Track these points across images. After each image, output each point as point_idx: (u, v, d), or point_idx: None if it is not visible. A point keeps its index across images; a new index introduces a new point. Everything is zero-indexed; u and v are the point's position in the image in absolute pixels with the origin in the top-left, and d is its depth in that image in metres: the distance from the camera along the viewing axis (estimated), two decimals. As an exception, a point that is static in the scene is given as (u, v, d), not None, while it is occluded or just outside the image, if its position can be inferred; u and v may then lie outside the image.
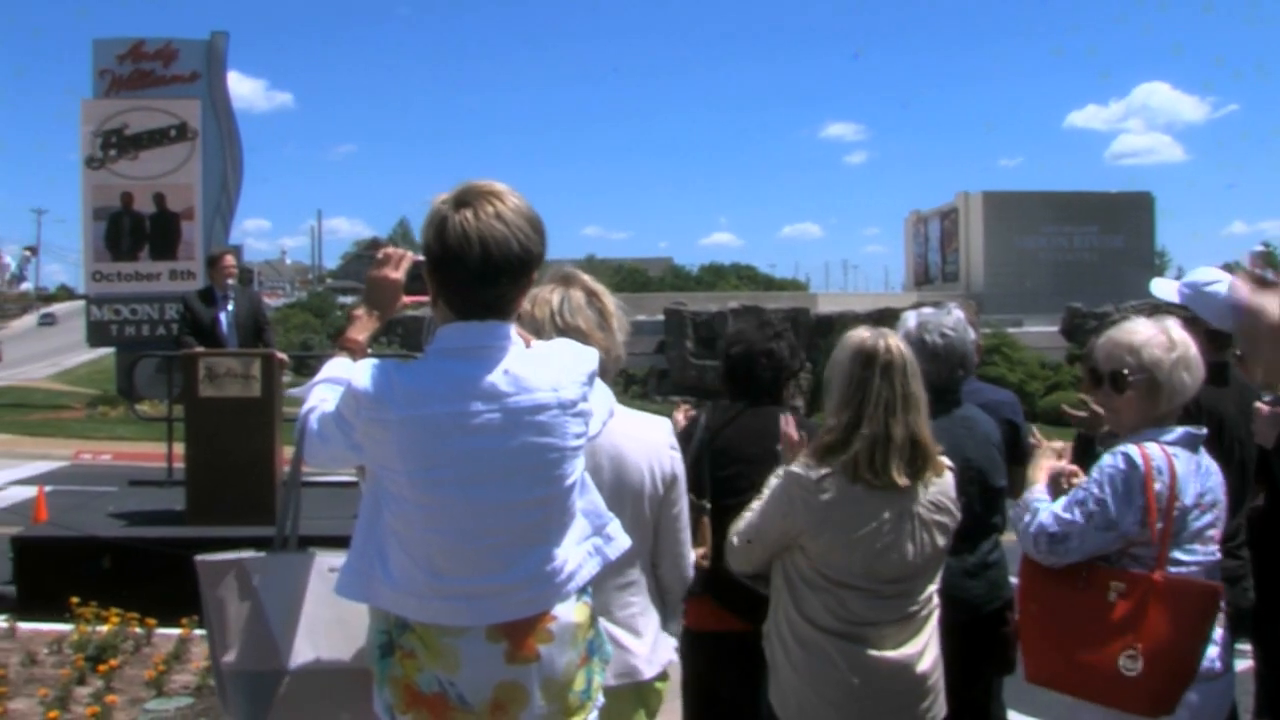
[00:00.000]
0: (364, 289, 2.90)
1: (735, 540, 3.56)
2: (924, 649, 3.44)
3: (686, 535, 3.27)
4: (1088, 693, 3.42)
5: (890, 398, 3.38)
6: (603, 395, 2.74)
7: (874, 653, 3.35)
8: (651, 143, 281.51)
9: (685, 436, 4.22)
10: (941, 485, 3.47)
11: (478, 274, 2.45)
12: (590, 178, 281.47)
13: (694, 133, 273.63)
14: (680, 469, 3.22)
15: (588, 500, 2.66)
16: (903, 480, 3.36)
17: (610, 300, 3.18)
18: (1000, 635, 4.32)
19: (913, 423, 3.41)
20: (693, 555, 3.32)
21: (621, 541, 2.71)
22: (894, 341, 3.47)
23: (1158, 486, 3.35)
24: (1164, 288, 4.45)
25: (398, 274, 2.83)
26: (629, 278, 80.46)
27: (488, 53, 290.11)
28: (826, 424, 3.45)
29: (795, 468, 3.43)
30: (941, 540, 3.45)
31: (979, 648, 4.27)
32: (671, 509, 3.19)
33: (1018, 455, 4.67)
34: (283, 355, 9.04)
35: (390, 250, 2.87)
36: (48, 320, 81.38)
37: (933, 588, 3.50)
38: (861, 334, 3.48)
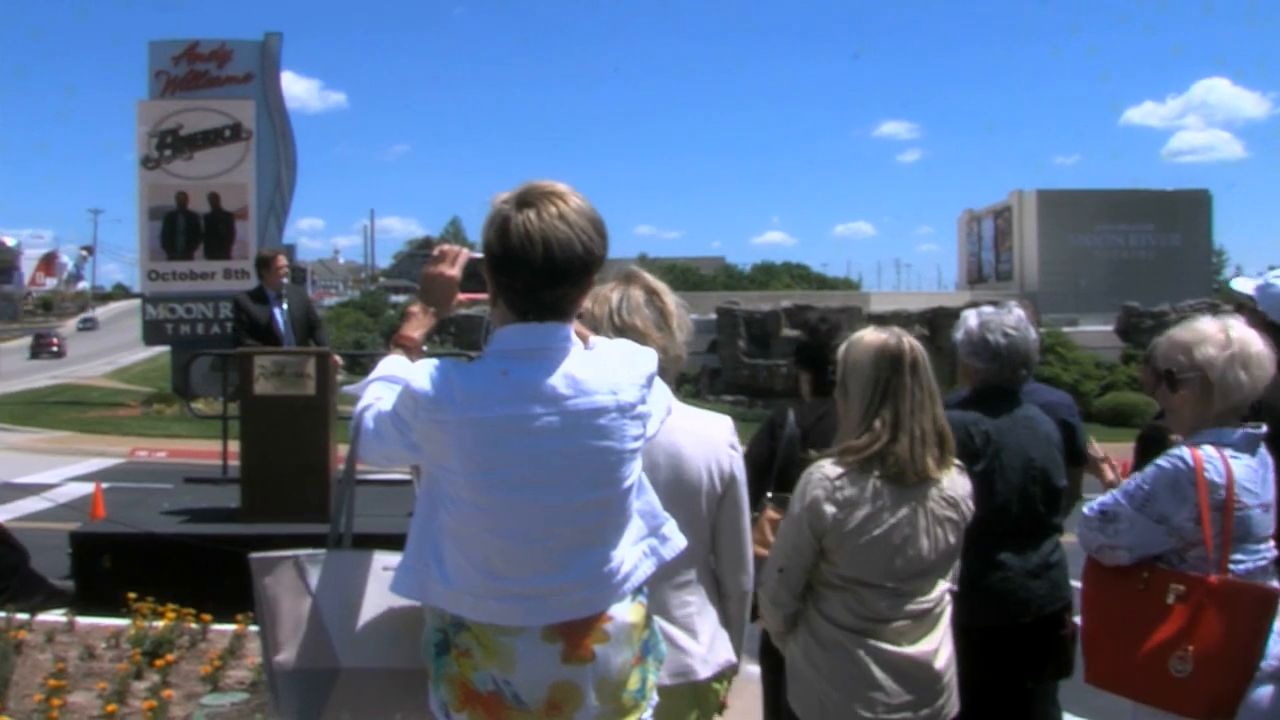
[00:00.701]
0: (419, 286, 2.88)
1: (768, 582, 3.47)
2: (939, 646, 3.42)
3: (747, 537, 3.23)
4: (1145, 696, 3.42)
5: (921, 396, 3.39)
6: (661, 395, 2.71)
7: (894, 648, 3.33)
8: (704, 141, 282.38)
9: (770, 435, 4.17)
10: (953, 480, 3.46)
11: (540, 275, 2.43)
12: (643, 176, 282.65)
13: (747, 131, 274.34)
14: (740, 469, 3.18)
15: (644, 500, 2.63)
16: (936, 473, 3.38)
17: (671, 299, 3.15)
18: (1058, 638, 4.27)
19: (939, 415, 3.43)
20: (752, 555, 3.28)
21: (677, 542, 2.69)
22: (910, 339, 3.47)
23: (1217, 491, 3.34)
24: (1244, 284, 4.41)
25: (454, 271, 2.81)
26: (681, 277, 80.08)
27: (541, 52, 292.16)
28: (865, 427, 3.39)
29: (815, 469, 3.41)
30: (953, 537, 3.43)
31: (1039, 649, 4.24)
32: (731, 509, 3.16)
33: (1074, 456, 4.64)
34: (336, 357, 9.05)
35: (446, 247, 2.84)
36: (88, 325, 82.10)
37: (945, 585, 3.48)
38: (878, 335, 3.46)
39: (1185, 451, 3.40)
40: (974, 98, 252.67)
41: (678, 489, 2.99)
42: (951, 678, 3.46)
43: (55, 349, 65.53)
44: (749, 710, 4.41)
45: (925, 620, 3.40)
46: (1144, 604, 3.41)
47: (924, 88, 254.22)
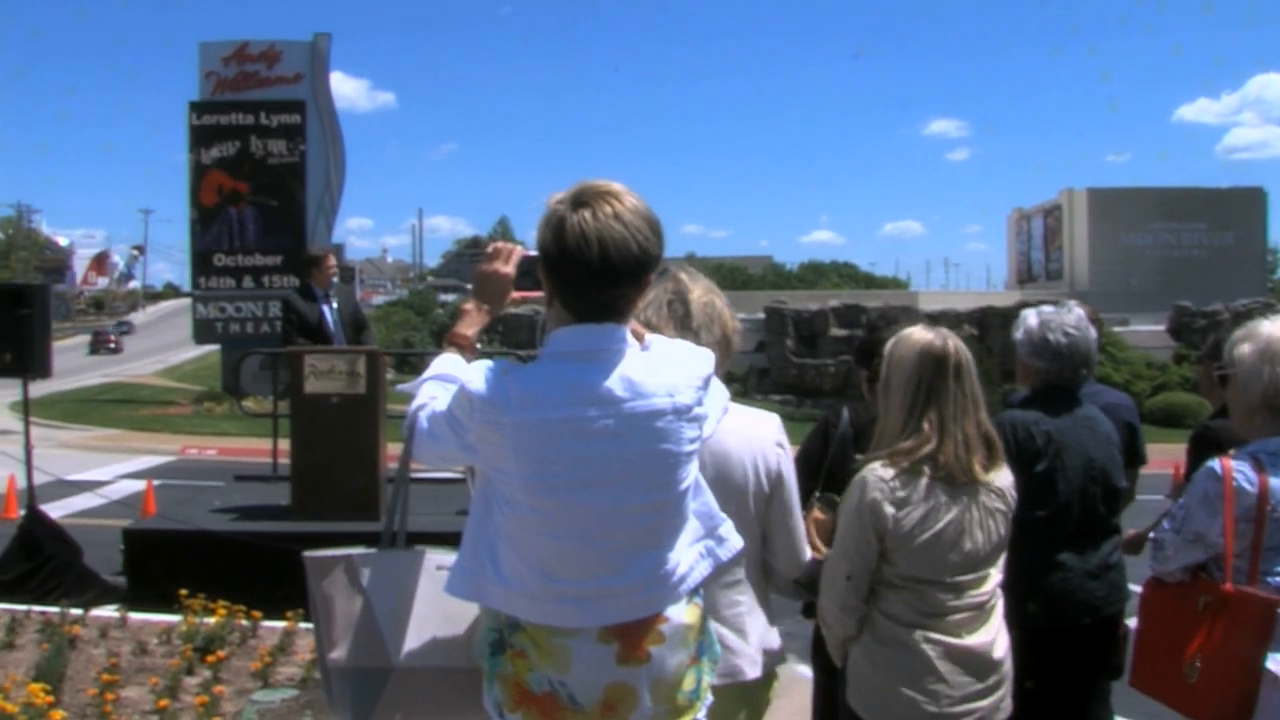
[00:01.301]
0: (473, 283, 2.86)
1: (837, 590, 3.41)
2: (996, 636, 3.42)
3: (800, 529, 3.25)
4: (1172, 701, 3.48)
5: (964, 401, 3.39)
6: (718, 396, 2.69)
7: (954, 640, 3.33)
8: (753, 140, 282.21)
9: (823, 435, 4.15)
10: (1000, 475, 3.47)
11: (597, 275, 2.40)
12: (690, 175, 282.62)
13: (795, 131, 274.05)
14: (788, 467, 3.17)
15: (701, 501, 2.61)
16: (985, 476, 3.39)
17: (699, 305, 3.09)
18: (1112, 639, 4.24)
19: (983, 420, 3.44)
20: (808, 549, 3.27)
21: (734, 542, 2.67)
22: (956, 341, 3.46)
23: (1246, 499, 3.34)
24: None
25: (508, 268, 2.79)
26: (729, 276, 79.86)
27: (589, 51, 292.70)
28: (913, 428, 3.38)
29: (868, 473, 3.39)
30: (1003, 528, 3.44)
31: (1095, 650, 4.21)
32: (780, 506, 3.16)
33: (1134, 458, 4.59)
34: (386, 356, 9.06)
35: (500, 244, 2.83)
36: (124, 328, 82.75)
37: (999, 576, 3.47)
38: (924, 335, 3.45)
39: (1216, 463, 3.41)
40: (1024, 95, 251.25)
41: (723, 488, 2.95)
42: (1009, 670, 3.45)
43: (113, 346, 68.17)
44: (799, 710, 4.39)
45: (981, 612, 3.40)
46: (1180, 610, 3.46)
47: (973, 86, 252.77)
